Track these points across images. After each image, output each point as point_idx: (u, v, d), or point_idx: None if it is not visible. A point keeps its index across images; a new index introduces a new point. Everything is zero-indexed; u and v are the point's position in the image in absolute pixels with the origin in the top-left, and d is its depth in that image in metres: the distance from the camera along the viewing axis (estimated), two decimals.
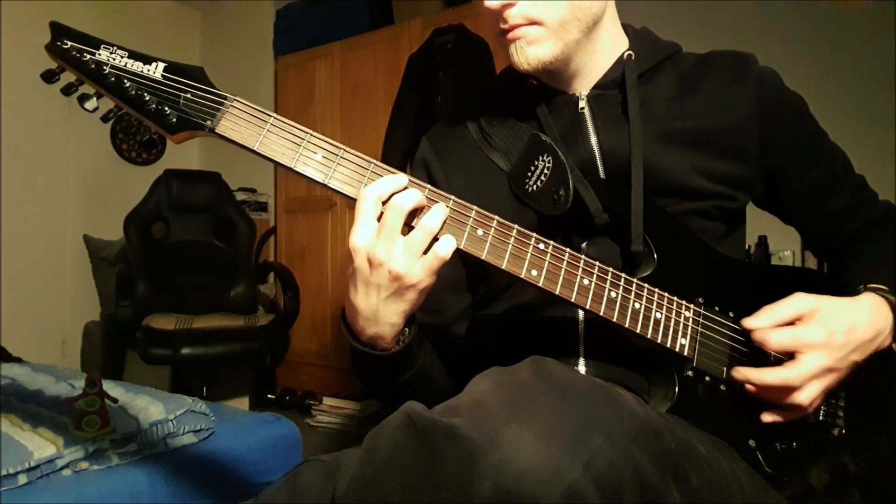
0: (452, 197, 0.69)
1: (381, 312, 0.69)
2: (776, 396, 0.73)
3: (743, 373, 0.73)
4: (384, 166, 0.69)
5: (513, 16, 0.77)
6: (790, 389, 0.71)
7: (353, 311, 0.71)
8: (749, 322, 0.74)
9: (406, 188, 0.68)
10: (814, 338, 0.71)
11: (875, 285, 0.80)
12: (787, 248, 2.54)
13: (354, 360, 0.77)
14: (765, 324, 0.73)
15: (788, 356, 0.73)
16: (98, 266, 3.62)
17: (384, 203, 0.67)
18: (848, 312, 0.74)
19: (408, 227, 0.68)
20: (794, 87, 0.90)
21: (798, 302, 0.74)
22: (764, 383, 0.72)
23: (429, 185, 0.69)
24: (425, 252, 0.67)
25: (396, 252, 0.66)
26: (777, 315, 0.73)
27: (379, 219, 0.67)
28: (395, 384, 0.79)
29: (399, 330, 0.72)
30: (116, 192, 3.76)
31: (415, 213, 0.68)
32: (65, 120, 3.65)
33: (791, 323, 0.74)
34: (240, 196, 3.73)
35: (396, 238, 0.66)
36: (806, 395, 0.71)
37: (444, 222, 0.68)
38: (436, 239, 0.67)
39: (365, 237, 0.66)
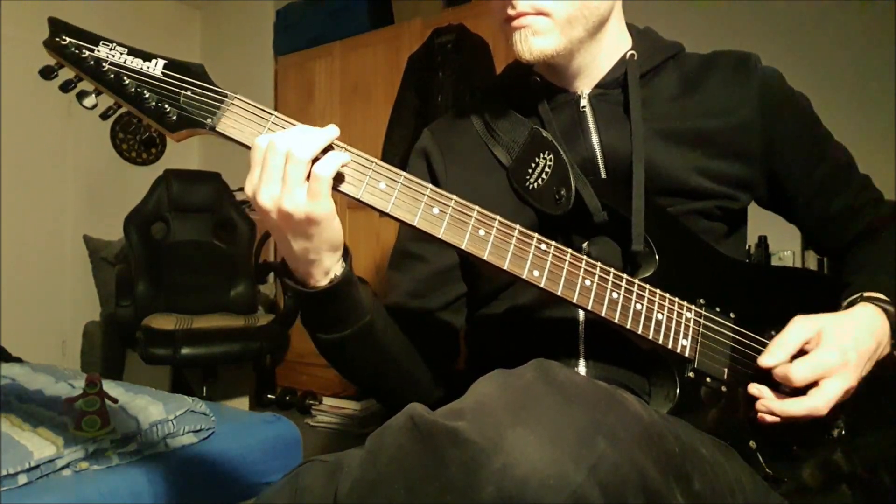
0: (454, 197, 0.69)
1: (298, 251, 0.68)
2: (800, 424, 0.72)
3: (768, 406, 0.72)
4: (386, 165, 0.69)
5: (521, 3, 0.77)
6: (815, 417, 0.71)
7: (282, 253, 0.71)
8: (766, 361, 0.73)
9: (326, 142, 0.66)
10: (831, 363, 0.71)
11: (871, 294, 0.80)
12: (787, 248, 2.54)
13: (299, 309, 0.76)
14: (781, 359, 0.73)
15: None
16: (98, 266, 3.62)
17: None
18: (850, 328, 0.75)
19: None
20: (794, 86, 0.90)
21: (801, 327, 0.74)
22: (791, 415, 0.71)
23: (430, 185, 0.69)
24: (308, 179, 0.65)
25: (278, 193, 0.64)
26: (789, 347, 0.73)
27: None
28: (335, 340, 0.76)
29: (327, 268, 0.70)
30: (116, 192, 3.76)
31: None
32: (65, 120, 3.65)
33: (801, 349, 0.73)
34: (240, 196, 3.71)
35: (276, 180, 0.64)
36: (825, 414, 0.72)
37: (323, 148, 0.65)
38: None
39: (250, 186, 0.66)
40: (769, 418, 0.73)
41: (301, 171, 0.64)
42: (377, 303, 0.80)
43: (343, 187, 0.68)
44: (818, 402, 0.70)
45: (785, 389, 0.73)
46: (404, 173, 0.69)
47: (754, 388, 0.74)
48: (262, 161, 0.65)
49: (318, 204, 0.65)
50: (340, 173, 0.67)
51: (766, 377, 0.74)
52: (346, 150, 0.68)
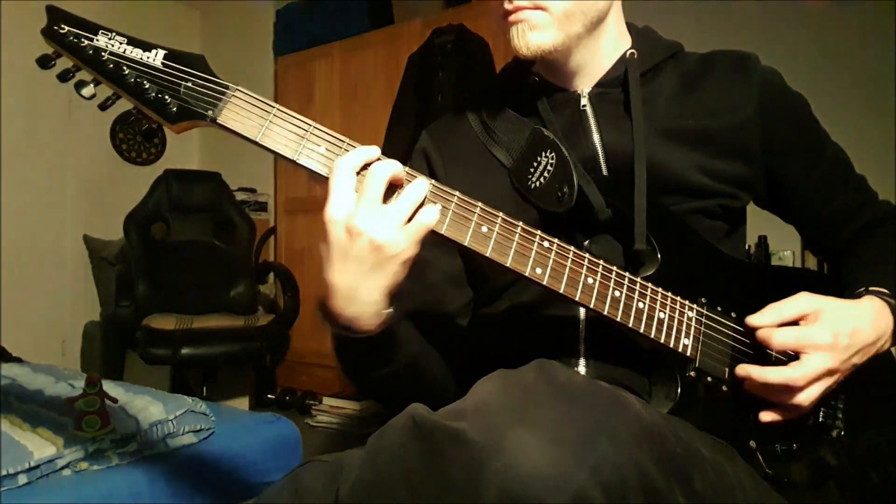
0: (457, 193, 0.69)
1: (361, 289, 0.65)
2: (777, 396, 0.72)
3: (745, 369, 0.73)
4: (387, 159, 0.69)
5: None
6: (792, 389, 0.71)
7: (330, 291, 0.66)
8: (753, 319, 0.74)
9: (380, 158, 0.67)
10: (819, 339, 0.71)
11: (877, 288, 0.80)
12: (787, 248, 2.54)
13: (337, 348, 0.74)
14: (769, 322, 0.73)
15: (792, 356, 0.73)
16: (98, 266, 3.62)
17: (359, 174, 0.65)
18: (851, 314, 0.74)
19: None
20: (794, 87, 0.90)
21: (802, 301, 0.74)
22: (766, 381, 0.71)
23: (433, 181, 0.68)
24: (409, 221, 0.65)
25: (377, 220, 0.63)
26: (781, 313, 0.73)
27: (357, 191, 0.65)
28: (382, 375, 0.75)
29: (380, 310, 0.68)
30: (116, 192, 3.76)
31: (394, 187, 0.66)
32: (64, 119, 3.65)
33: (795, 322, 0.73)
34: (240, 196, 3.73)
35: (377, 206, 0.63)
36: (806, 396, 0.71)
37: (427, 194, 0.66)
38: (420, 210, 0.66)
39: (343, 207, 0.63)
40: (765, 418, 0.73)
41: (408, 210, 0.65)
42: (410, 328, 0.80)
43: None
44: (795, 374, 0.70)
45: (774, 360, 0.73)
46: (374, 146, 0.69)
47: (741, 370, 0.73)
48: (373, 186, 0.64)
49: (413, 246, 0.65)
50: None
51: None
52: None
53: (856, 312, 0.75)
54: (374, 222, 0.63)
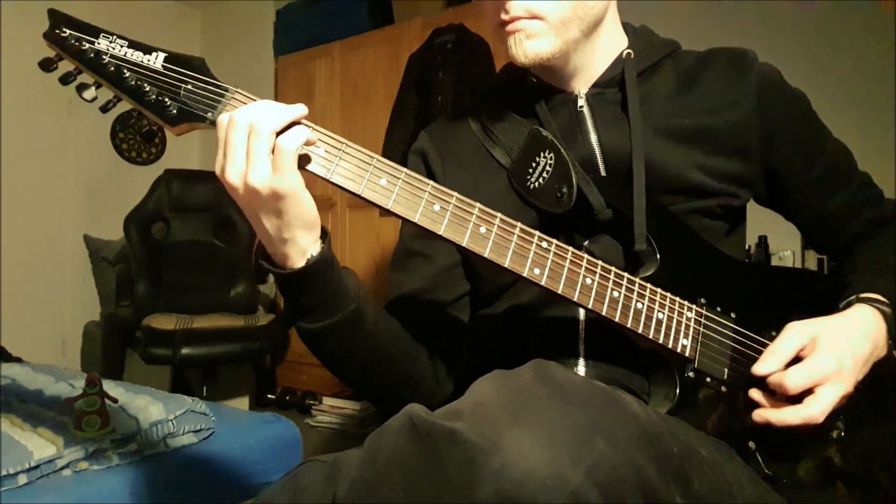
0: (455, 194, 0.69)
1: (271, 230, 0.67)
2: (798, 430, 0.72)
3: (764, 416, 0.72)
4: (387, 161, 0.68)
5: (514, 7, 0.77)
6: (813, 424, 0.71)
7: (257, 233, 0.70)
8: (760, 369, 0.73)
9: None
10: (826, 370, 0.71)
11: (868, 295, 0.80)
12: (787, 248, 2.54)
13: (284, 299, 0.75)
14: (774, 367, 0.72)
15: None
16: (98, 266, 3.62)
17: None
18: (845, 332, 0.74)
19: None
20: (794, 86, 0.90)
21: (796, 334, 0.74)
22: (788, 425, 0.71)
23: (431, 182, 0.68)
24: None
25: (242, 168, 0.63)
26: (783, 355, 0.73)
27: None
28: (327, 328, 0.73)
29: (304, 249, 0.69)
30: (116, 192, 3.76)
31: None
32: (65, 119, 3.65)
33: (797, 357, 0.73)
34: None
35: (240, 155, 0.63)
36: (822, 421, 0.71)
37: (290, 121, 0.64)
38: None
39: (218, 167, 0.65)
40: (758, 419, 0.73)
41: (264, 144, 0.63)
42: (365, 292, 0.77)
43: (344, 183, 0.67)
44: (814, 411, 0.70)
45: (781, 396, 0.73)
46: (405, 170, 0.68)
47: (755, 394, 0.73)
48: (225, 137, 0.64)
49: (283, 178, 0.63)
50: (307, 155, 0.66)
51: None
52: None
53: (849, 328, 0.75)
54: (238, 172, 0.63)
